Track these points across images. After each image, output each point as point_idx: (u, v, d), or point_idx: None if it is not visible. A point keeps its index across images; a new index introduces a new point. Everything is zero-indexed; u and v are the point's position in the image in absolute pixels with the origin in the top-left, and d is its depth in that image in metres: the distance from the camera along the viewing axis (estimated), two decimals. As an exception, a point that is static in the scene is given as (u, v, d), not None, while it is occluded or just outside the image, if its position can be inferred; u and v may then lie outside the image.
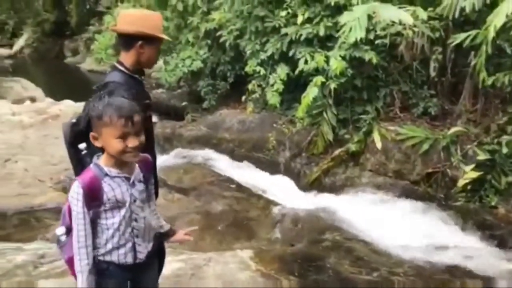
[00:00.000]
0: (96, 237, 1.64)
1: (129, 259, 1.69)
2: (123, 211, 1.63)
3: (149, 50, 2.06)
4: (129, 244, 1.68)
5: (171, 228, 1.96)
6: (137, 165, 1.70)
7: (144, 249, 1.73)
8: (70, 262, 1.68)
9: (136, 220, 1.68)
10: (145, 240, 1.73)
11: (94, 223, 1.62)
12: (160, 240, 1.92)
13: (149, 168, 1.77)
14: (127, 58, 2.06)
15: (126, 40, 2.04)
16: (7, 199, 4.46)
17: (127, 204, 1.64)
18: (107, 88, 1.88)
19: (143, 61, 2.07)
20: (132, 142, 1.56)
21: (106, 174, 1.61)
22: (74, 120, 1.89)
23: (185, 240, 1.98)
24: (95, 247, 1.65)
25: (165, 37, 2.15)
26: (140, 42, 2.01)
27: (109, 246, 1.65)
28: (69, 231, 1.67)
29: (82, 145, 1.74)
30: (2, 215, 4.35)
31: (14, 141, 5.55)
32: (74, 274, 1.67)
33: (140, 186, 1.69)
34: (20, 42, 19.93)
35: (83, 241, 1.60)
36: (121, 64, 2.06)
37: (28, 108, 7.66)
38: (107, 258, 1.67)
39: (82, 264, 1.61)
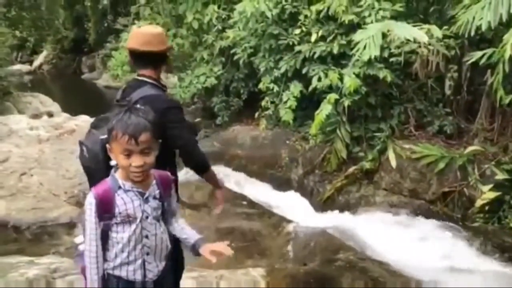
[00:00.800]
0: (107, 250, 1.64)
1: (138, 276, 1.67)
2: (133, 226, 1.62)
3: None
4: (139, 261, 1.66)
5: (201, 239, 1.75)
6: (154, 181, 1.68)
7: (154, 267, 1.69)
8: (84, 272, 1.68)
9: (147, 237, 1.65)
10: (156, 259, 1.70)
11: (106, 236, 1.62)
12: (177, 258, 1.86)
13: (168, 186, 1.73)
14: (155, 73, 2.16)
15: (160, 57, 2.15)
16: (22, 212, 4.51)
17: (138, 220, 1.62)
18: (148, 102, 1.91)
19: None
20: (136, 161, 1.54)
21: (120, 187, 1.61)
22: (106, 136, 1.88)
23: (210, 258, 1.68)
24: (105, 260, 1.65)
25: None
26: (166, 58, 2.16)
27: (118, 260, 1.64)
28: None
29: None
30: (16, 229, 4.40)
31: (31, 155, 5.63)
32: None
33: (154, 203, 1.66)
34: (39, 59, 20.52)
35: (94, 251, 1.61)
36: (152, 78, 2.13)
37: (45, 122, 7.78)
38: (116, 272, 1.66)
39: (93, 273, 1.62)
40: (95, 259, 1.62)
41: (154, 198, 1.66)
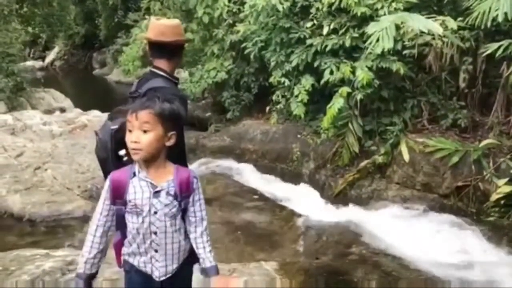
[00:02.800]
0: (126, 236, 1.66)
1: (149, 270, 1.64)
2: (140, 219, 1.58)
3: None
4: (149, 255, 1.62)
5: (214, 268, 1.69)
6: (172, 177, 1.61)
7: (162, 267, 1.63)
8: (116, 247, 1.71)
9: (156, 233, 1.59)
10: (167, 259, 1.63)
11: (124, 221, 1.63)
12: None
13: (186, 186, 1.62)
14: (169, 65, 2.15)
15: (173, 47, 2.15)
16: (37, 206, 4.57)
17: (145, 213, 1.57)
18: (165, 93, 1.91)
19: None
20: (134, 136, 1.54)
21: (135, 174, 1.60)
22: (116, 127, 1.89)
23: None
24: (123, 244, 1.67)
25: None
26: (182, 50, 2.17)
27: (131, 249, 1.64)
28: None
29: (122, 152, 1.74)
30: (31, 222, 4.46)
31: (44, 149, 5.70)
32: (118, 261, 1.71)
33: (167, 200, 1.58)
34: (51, 55, 20.76)
35: (93, 230, 1.63)
36: (164, 71, 2.13)
37: (58, 118, 7.89)
38: (131, 259, 1.66)
39: (84, 250, 1.63)
40: (92, 237, 1.62)
41: (168, 194, 1.59)
